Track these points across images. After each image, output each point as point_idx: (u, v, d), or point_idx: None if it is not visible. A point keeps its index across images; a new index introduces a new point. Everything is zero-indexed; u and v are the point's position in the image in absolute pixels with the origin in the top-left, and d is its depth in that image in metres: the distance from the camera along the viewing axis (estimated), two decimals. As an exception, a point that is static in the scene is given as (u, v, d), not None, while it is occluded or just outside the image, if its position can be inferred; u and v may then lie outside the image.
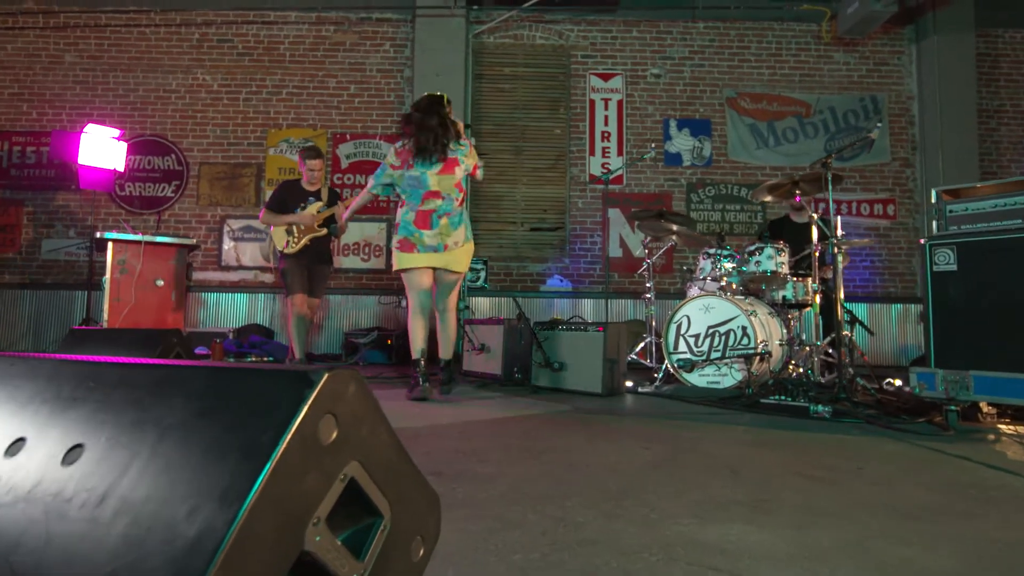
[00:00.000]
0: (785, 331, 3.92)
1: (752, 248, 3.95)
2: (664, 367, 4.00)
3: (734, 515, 1.36)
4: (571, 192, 6.88)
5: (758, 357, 3.55)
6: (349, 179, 6.73)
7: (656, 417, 2.90)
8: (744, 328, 3.67)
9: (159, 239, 4.92)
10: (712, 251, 4.26)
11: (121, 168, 5.93)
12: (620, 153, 6.88)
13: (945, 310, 2.52)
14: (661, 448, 2.13)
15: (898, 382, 3.75)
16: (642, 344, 4.84)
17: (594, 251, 6.80)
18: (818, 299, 3.62)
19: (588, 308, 6.60)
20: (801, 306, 3.98)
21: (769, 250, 3.87)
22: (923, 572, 1.07)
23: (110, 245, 4.66)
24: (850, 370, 3.22)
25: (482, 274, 6.34)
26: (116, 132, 5.84)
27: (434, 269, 3.50)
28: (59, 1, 6.80)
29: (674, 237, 4.87)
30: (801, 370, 3.46)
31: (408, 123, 3.48)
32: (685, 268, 5.12)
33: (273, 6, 6.83)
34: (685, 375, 3.86)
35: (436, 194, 3.42)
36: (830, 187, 3.31)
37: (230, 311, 6.55)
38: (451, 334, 3.68)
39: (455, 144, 3.45)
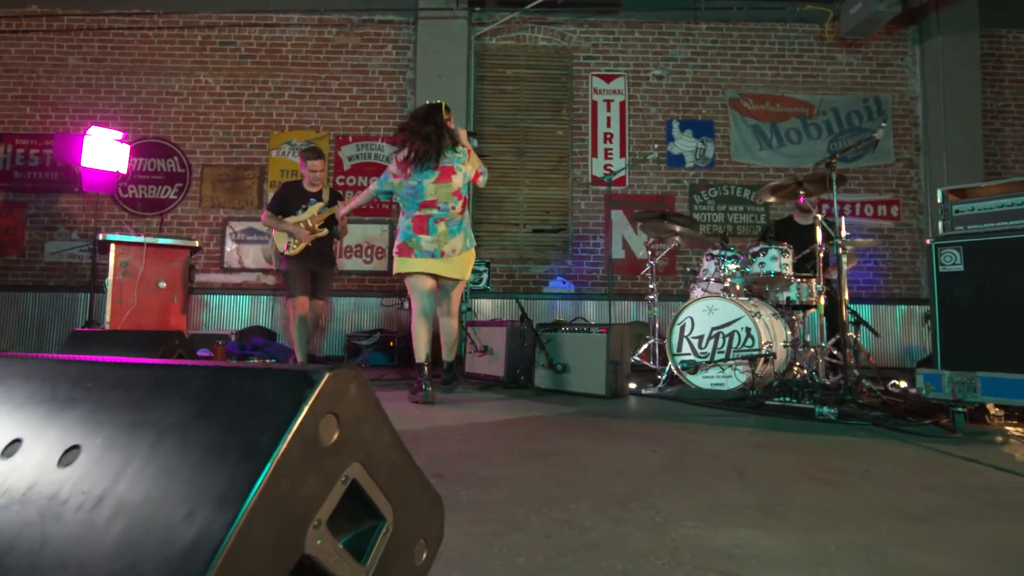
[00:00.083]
0: (789, 332, 3.90)
1: (756, 249, 3.94)
2: (668, 369, 3.98)
3: (742, 519, 1.35)
4: (573, 194, 6.86)
5: (762, 359, 3.53)
6: (351, 181, 6.73)
7: (661, 419, 2.88)
8: (748, 329, 3.65)
9: (161, 241, 4.92)
10: (716, 252, 4.24)
11: (124, 170, 5.94)
12: (623, 154, 6.86)
13: (951, 311, 2.50)
14: (666, 450, 2.11)
15: (903, 384, 3.73)
16: (645, 346, 4.81)
17: (597, 253, 6.79)
18: (822, 300, 3.59)
19: (591, 310, 6.58)
20: (805, 307, 3.96)
21: (773, 251, 3.85)
22: (935, 576, 1.06)
23: (113, 247, 4.66)
24: (855, 372, 3.20)
25: (485, 276, 6.32)
26: (119, 134, 5.84)
27: (434, 275, 3.50)
28: (63, 4, 6.82)
29: (677, 238, 4.85)
30: (806, 372, 3.44)
31: (403, 131, 3.49)
32: (688, 270, 5.11)
33: (275, 9, 6.84)
34: (689, 377, 3.84)
35: (432, 203, 3.42)
36: (834, 187, 3.30)
37: (232, 313, 6.55)
38: (453, 338, 3.69)
39: (451, 151, 3.44)
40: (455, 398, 3.52)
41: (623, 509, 1.40)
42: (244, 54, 6.87)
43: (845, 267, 3.29)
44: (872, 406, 3.02)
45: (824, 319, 3.66)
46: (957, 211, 2.59)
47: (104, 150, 5.66)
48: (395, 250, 3.51)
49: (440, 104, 3.51)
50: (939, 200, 2.67)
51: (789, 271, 3.86)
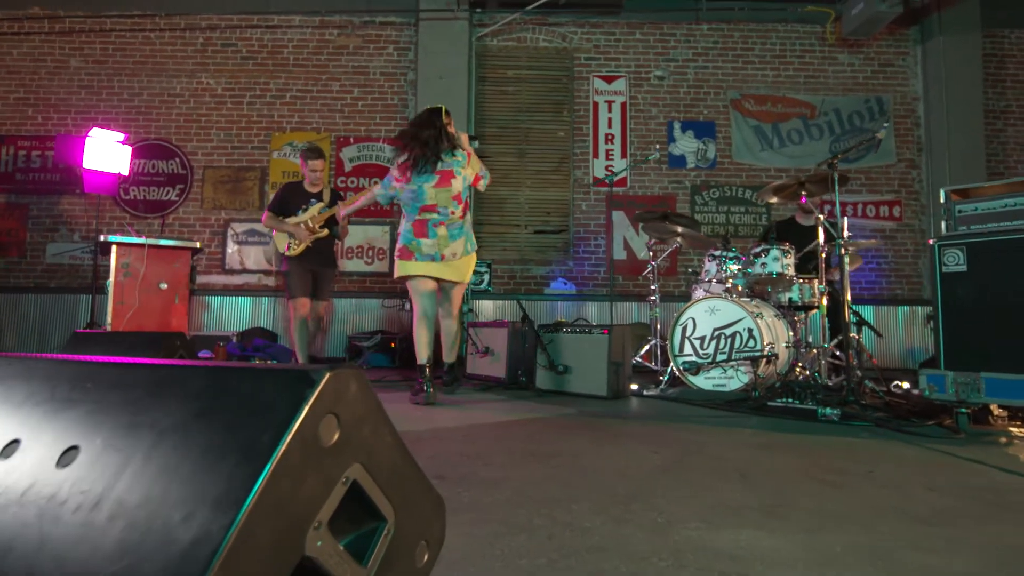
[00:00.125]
0: (791, 333, 3.89)
1: (758, 250, 3.93)
2: (669, 370, 3.98)
3: (745, 520, 1.34)
4: (575, 195, 6.86)
5: (764, 359, 3.52)
6: (353, 182, 6.73)
7: (662, 420, 2.87)
8: (750, 330, 3.64)
9: (162, 242, 4.92)
10: (717, 253, 4.23)
11: (125, 172, 5.94)
12: (624, 155, 6.86)
13: (955, 311, 2.49)
14: (668, 451, 2.11)
15: (906, 385, 3.72)
16: (647, 347, 4.81)
17: (598, 254, 6.78)
18: (825, 301, 3.58)
19: (592, 311, 6.57)
20: (807, 308, 3.95)
21: (775, 252, 3.84)
22: (940, 578, 1.05)
23: (114, 248, 4.66)
24: (858, 372, 3.19)
25: (486, 277, 6.32)
26: (120, 136, 5.85)
27: (434, 278, 3.51)
28: (64, 6, 6.83)
29: (679, 239, 4.84)
30: (808, 373, 3.43)
31: (403, 137, 3.50)
32: (690, 270, 5.10)
33: (277, 10, 6.84)
34: (691, 378, 3.83)
35: (432, 207, 3.44)
36: (836, 188, 3.29)
37: (234, 314, 6.55)
38: (454, 340, 3.71)
39: (449, 155, 3.44)
40: (456, 399, 3.52)
41: (625, 510, 1.40)
42: (245, 55, 6.88)
43: (848, 268, 3.28)
44: (875, 407, 3.01)
45: (826, 320, 3.65)
46: (960, 211, 2.58)
47: (106, 152, 5.67)
48: (396, 253, 3.54)
49: (440, 108, 3.53)
50: (942, 200, 2.66)
51: (791, 272, 3.85)
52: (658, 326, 4.77)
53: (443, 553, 0.81)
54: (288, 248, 4.29)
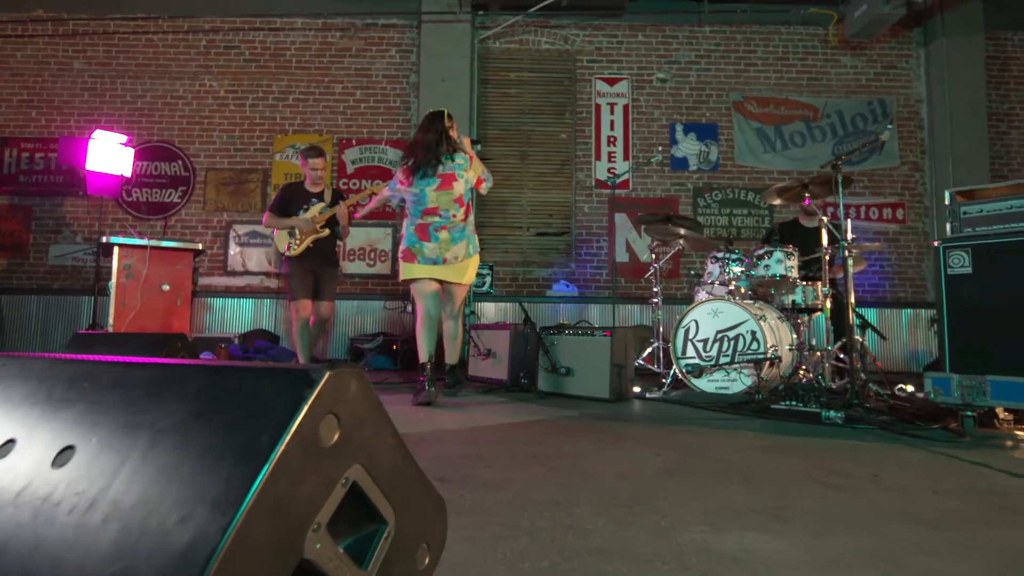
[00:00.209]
0: (795, 336, 3.87)
1: (761, 252, 3.92)
2: (672, 372, 3.96)
3: (749, 523, 1.33)
4: (577, 197, 6.85)
5: (768, 362, 3.50)
6: (355, 184, 6.73)
7: (665, 423, 2.85)
8: (753, 333, 3.63)
9: (164, 244, 4.92)
10: (720, 255, 4.22)
11: (128, 174, 5.94)
12: (626, 158, 6.85)
13: (960, 314, 2.48)
14: (671, 454, 2.09)
15: (910, 388, 3.70)
16: (649, 349, 4.79)
17: (600, 256, 6.77)
18: (828, 304, 3.57)
19: (595, 313, 6.56)
20: (811, 310, 3.94)
21: (778, 254, 3.83)
22: (948, 583, 1.03)
23: (116, 250, 4.66)
24: (862, 375, 3.17)
25: (488, 279, 6.31)
26: (123, 138, 5.85)
27: (437, 280, 3.55)
28: (68, 8, 6.86)
29: (681, 241, 4.83)
30: (811, 375, 3.41)
31: (410, 144, 3.60)
32: (693, 273, 5.09)
33: (280, 13, 6.86)
34: (693, 380, 3.82)
35: (434, 211, 3.47)
36: (840, 189, 3.28)
37: (236, 316, 6.55)
38: (457, 341, 3.74)
39: (451, 159, 3.46)
40: (458, 401, 3.51)
41: (628, 513, 1.38)
42: (248, 58, 6.89)
43: (852, 270, 3.27)
44: (879, 410, 2.99)
45: (830, 322, 3.64)
46: (965, 213, 2.56)
47: (108, 154, 5.68)
48: (400, 255, 3.57)
49: (442, 112, 3.56)
50: (947, 202, 2.65)
51: (794, 274, 3.84)
52: (660, 328, 4.76)
53: (444, 556, 0.80)
54: (288, 248, 4.27)
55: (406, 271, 3.53)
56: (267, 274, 6.65)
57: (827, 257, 3.46)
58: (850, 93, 6.95)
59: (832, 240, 3.50)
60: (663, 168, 6.86)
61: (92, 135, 5.68)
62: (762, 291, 4.08)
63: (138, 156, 6.47)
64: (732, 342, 3.71)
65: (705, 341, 3.83)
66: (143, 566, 0.48)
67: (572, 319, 6.34)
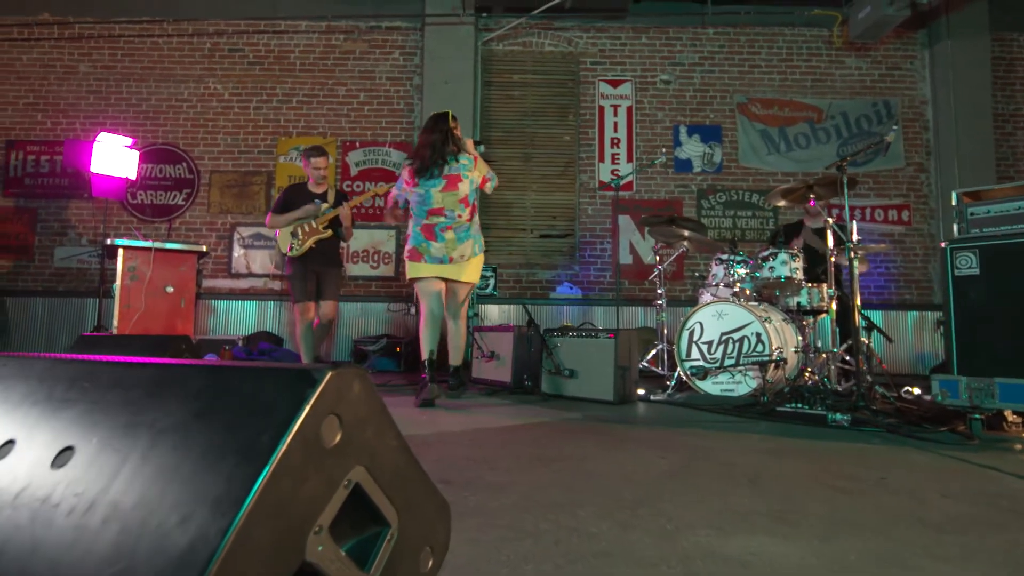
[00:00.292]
0: (800, 338, 3.85)
1: (766, 254, 3.90)
2: (676, 375, 3.94)
3: (755, 526, 1.31)
4: (580, 199, 6.84)
5: (773, 364, 3.49)
6: (358, 186, 6.74)
7: (670, 425, 2.84)
8: (758, 335, 3.61)
9: (169, 246, 4.93)
10: (725, 257, 4.20)
11: (133, 176, 5.96)
12: (630, 159, 6.84)
13: (967, 315, 2.46)
14: (676, 456, 2.08)
15: (917, 390, 3.67)
16: (654, 351, 4.78)
17: (604, 258, 6.76)
18: (834, 305, 3.55)
19: (598, 315, 6.54)
20: (816, 312, 3.92)
21: (783, 255, 3.81)
22: (958, 587, 1.02)
23: (121, 252, 4.67)
24: (868, 378, 3.15)
25: (491, 281, 6.30)
26: (128, 141, 5.87)
27: (443, 279, 3.56)
28: (74, 12, 6.89)
29: (685, 243, 4.81)
30: (817, 377, 3.39)
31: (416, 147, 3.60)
32: (697, 274, 5.07)
33: (284, 15, 6.88)
34: (698, 383, 3.80)
35: (439, 211, 3.49)
36: (845, 190, 3.26)
37: (240, 318, 6.56)
38: (460, 341, 3.75)
39: (454, 159, 3.48)
40: (462, 403, 3.50)
41: (632, 515, 1.37)
42: (252, 61, 6.91)
43: (857, 272, 3.25)
44: (886, 413, 2.97)
45: (836, 324, 3.61)
46: (972, 214, 2.55)
47: (113, 156, 5.69)
48: (406, 254, 3.59)
49: (446, 113, 3.58)
50: (954, 203, 2.63)
51: (799, 276, 3.82)
52: (665, 330, 4.74)
53: (448, 559, 0.80)
54: (291, 249, 4.25)
55: (412, 270, 3.54)
56: (271, 276, 6.66)
57: (832, 259, 3.43)
58: (854, 95, 6.93)
59: (838, 241, 3.48)
60: (667, 170, 6.84)
61: (97, 138, 5.70)
62: (767, 293, 4.06)
63: (143, 159, 6.49)
64: (737, 344, 3.69)
65: (710, 343, 3.81)
66: (142, 568, 0.48)
67: (576, 321, 6.32)
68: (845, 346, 3.88)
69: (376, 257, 6.70)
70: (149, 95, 6.86)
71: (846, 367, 3.96)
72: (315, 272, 4.31)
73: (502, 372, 4.19)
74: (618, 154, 6.86)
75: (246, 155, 6.82)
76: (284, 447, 0.52)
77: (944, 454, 2.17)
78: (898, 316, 6.58)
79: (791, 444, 2.36)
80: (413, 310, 6.18)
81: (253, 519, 0.49)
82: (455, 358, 3.76)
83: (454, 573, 1.02)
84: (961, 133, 6.57)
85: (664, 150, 6.78)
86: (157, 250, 4.80)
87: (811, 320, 4.03)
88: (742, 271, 4.06)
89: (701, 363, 3.82)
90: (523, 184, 6.86)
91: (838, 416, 2.74)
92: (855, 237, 3.26)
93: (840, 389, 3.59)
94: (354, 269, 6.64)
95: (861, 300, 3.32)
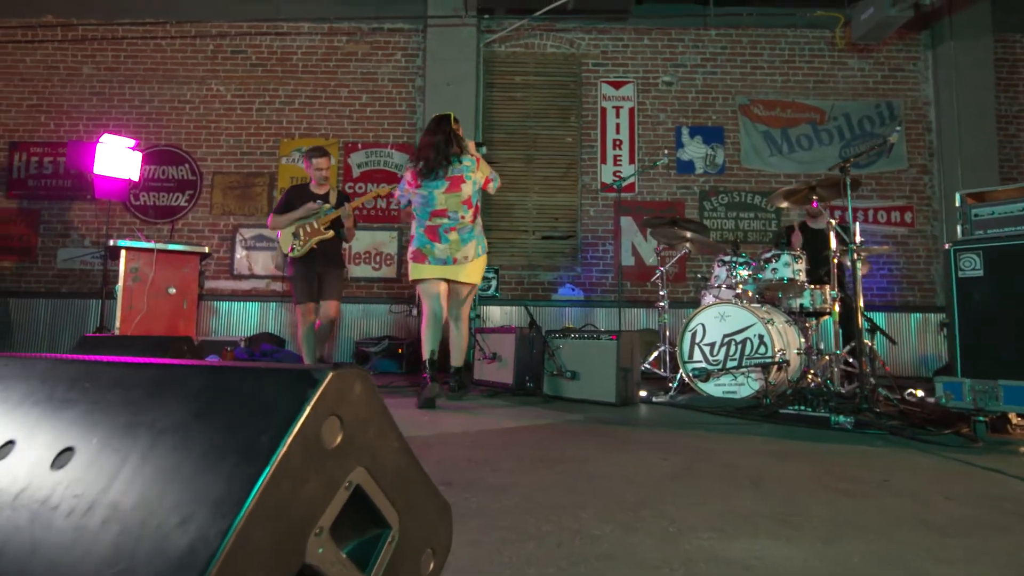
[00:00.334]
0: (803, 340, 3.84)
1: (768, 255, 3.89)
2: (679, 377, 3.93)
3: (758, 528, 1.31)
4: (583, 200, 6.84)
5: (776, 366, 3.48)
6: (360, 188, 6.75)
7: (672, 427, 2.83)
8: (761, 336, 3.60)
9: (171, 247, 4.94)
10: (727, 258, 4.19)
11: (136, 178, 5.98)
12: (632, 161, 6.84)
13: (971, 317, 2.44)
14: (678, 458, 2.07)
15: (920, 393, 3.66)
16: (656, 353, 4.77)
17: (606, 259, 6.75)
18: (837, 307, 3.54)
19: (600, 317, 6.54)
20: (819, 314, 3.91)
21: (786, 257, 3.81)
22: (963, 590, 1.01)
23: (123, 253, 4.67)
24: (871, 380, 3.13)
25: (493, 283, 6.30)
26: (131, 142, 5.89)
27: (446, 280, 3.55)
28: (77, 14, 6.91)
29: (688, 245, 4.80)
30: (820, 380, 3.38)
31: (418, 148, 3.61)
32: (699, 276, 5.07)
33: (286, 17, 6.89)
34: (700, 385, 3.79)
35: (443, 212, 3.50)
36: (848, 192, 3.25)
37: (242, 320, 6.57)
38: (462, 342, 3.75)
39: (457, 160, 3.48)
40: (464, 405, 3.49)
41: (634, 518, 1.37)
42: (255, 62, 6.93)
43: (860, 273, 3.24)
44: (889, 415, 2.96)
45: (839, 326, 3.60)
46: (976, 215, 2.54)
47: (116, 158, 5.71)
48: (409, 255, 3.60)
49: (449, 114, 3.58)
50: (957, 204, 2.62)
51: (802, 277, 3.81)
52: (667, 332, 4.73)
53: (450, 560, 0.79)
54: (292, 250, 4.24)
55: (415, 271, 3.55)
56: (273, 277, 6.66)
57: (835, 260, 3.42)
58: (857, 96, 6.91)
59: (840, 242, 3.47)
60: (669, 171, 6.84)
61: (100, 139, 5.72)
62: (769, 295, 4.05)
63: (146, 160, 6.50)
64: (739, 346, 3.68)
65: (712, 345, 3.81)
66: (142, 569, 0.47)
67: (578, 323, 6.32)
68: (848, 348, 3.87)
69: (378, 259, 6.70)
70: (152, 97, 6.88)
71: (849, 369, 3.95)
72: (317, 273, 4.29)
73: (504, 374, 4.19)
74: (620, 155, 6.86)
75: (248, 156, 6.83)
76: (284, 448, 0.52)
77: (948, 456, 2.16)
78: (901, 318, 6.56)
79: (794, 446, 2.35)
80: (415, 312, 6.18)
81: (253, 520, 0.48)
82: (456, 359, 3.76)
83: (456, 574, 1.01)
84: (964, 134, 6.56)
85: (666, 151, 6.77)
86: (160, 251, 4.81)
87: (814, 322, 4.02)
88: (744, 273, 4.06)
89: (703, 365, 3.81)
90: (525, 185, 6.86)
91: (841, 418, 2.73)
92: (858, 239, 3.25)
93: (843, 391, 3.58)
94: (356, 271, 6.65)
95: (864, 302, 3.31)
